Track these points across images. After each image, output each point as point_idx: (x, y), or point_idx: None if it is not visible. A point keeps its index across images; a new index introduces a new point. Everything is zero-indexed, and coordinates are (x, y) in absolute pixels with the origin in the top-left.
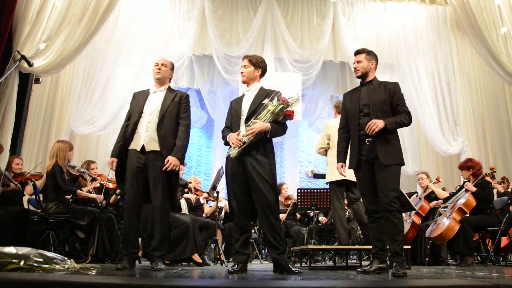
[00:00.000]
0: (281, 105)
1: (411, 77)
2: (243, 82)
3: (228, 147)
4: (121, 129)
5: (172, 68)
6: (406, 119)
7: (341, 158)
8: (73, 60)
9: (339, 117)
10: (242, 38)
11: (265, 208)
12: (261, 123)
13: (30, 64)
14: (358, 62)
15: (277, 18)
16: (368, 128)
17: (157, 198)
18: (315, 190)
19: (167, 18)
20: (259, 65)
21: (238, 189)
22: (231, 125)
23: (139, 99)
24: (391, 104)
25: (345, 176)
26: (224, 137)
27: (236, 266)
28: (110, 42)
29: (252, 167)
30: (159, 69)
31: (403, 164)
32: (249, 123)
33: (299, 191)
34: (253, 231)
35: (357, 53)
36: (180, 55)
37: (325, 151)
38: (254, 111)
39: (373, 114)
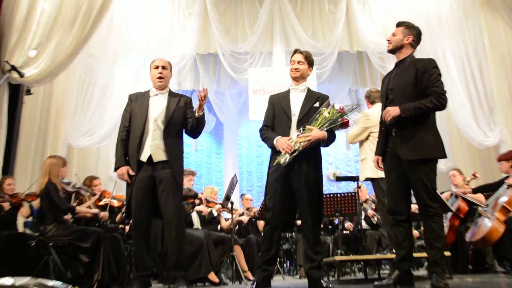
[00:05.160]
0: (339, 113)
1: (437, 63)
2: (294, 79)
3: (270, 153)
4: (119, 135)
5: (171, 68)
6: (432, 102)
7: (378, 150)
8: (67, 67)
9: (374, 108)
10: (248, 32)
11: (309, 219)
12: (318, 131)
13: (21, 75)
14: (393, 35)
15: (285, 8)
16: (383, 117)
17: (170, 207)
18: (339, 195)
19: (166, 16)
20: (311, 64)
21: (279, 196)
22: (273, 125)
23: (140, 102)
24: (420, 86)
25: (381, 169)
26: (268, 139)
27: (255, 284)
28: (106, 46)
29: (299, 174)
30: (161, 73)
31: (434, 158)
32: (300, 128)
33: None
34: None
35: (397, 25)
36: (183, 55)
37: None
38: (306, 114)
39: (396, 100)
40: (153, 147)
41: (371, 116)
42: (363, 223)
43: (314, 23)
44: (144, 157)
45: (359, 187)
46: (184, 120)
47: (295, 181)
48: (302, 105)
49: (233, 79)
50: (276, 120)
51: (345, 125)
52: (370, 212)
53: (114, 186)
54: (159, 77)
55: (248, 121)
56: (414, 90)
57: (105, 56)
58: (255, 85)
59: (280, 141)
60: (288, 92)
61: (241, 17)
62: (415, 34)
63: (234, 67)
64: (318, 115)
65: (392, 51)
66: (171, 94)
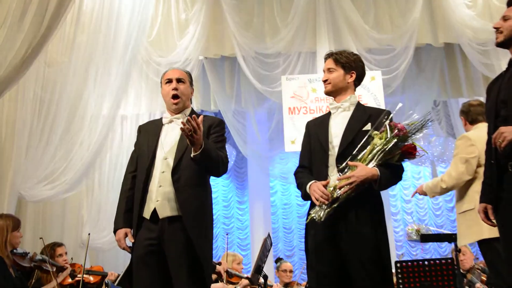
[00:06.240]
0: (396, 137)
1: None
2: (327, 94)
3: (309, 203)
4: (123, 185)
5: (191, 80)
6: None
7: (484, 195)
8: (15, 82)
9: (477, 129)
10: (280, 24)
11: None
12: (364, 168)
13: None
14: (504, 19)
15: None
16: (493, 141)
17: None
18: (427, 263)
19: (159, 7)
20: (352, 65)
21: (325, 270)
22: (311, 164)
23: (148, 135)
24: None
25: (492, 224)
26: (300, 185)
27: None
28: (72, 51)
29: (348, 239)
30: (176, 89)
31: None
32: (343, 165)
33: (398, 265)
34: None
35: (509, 4)
36: (185, 60)
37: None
38: (351, 144)
39: None
40: (159, 198)
41: (476, 141)
42: None
43: (377, 5)
44: (147, 213)
45: (458, 250)
46: None
47: (343, 246)
48: (344, 131)
49: (260, 94)
50: (312, 156)
51: (409, 154)
52: (480, 286)
53: (86, 255)
54: (174, 96)
55: (284, 154)
56: None
57: (72, 66)
58: (292, 102)
59: (312, 188)
60: (328, 114)
61: (269, 2)
62: None
63: (260, 76)
64: (367, 143)
65: (504, 43)
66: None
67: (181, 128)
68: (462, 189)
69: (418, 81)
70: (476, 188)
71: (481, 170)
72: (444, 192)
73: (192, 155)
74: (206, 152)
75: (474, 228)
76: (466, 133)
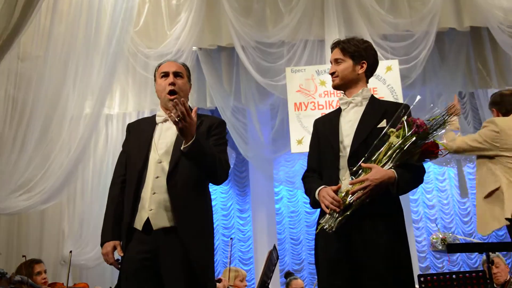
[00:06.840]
0: (415, 135)
1: None
2: (336, 88)
3: (318, 211)
4: (110, 191)
5: (189, 75)
6: None
7: None
8: None
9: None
10: (283, 9)
11: None
12: (379, 171)
13: None
14: None
15: None
16: None
17: None
18: (455, 277)
19: None
20: (362, 54)
21: (338, 286)
22: (321, 167)
23: (139, 135)
24: None
25: None
26: (309, 191)
27: None
28: (49, 43)
29: (363, 251)
30: (173, 84)
31: None
32: (356, 168)
33: (422, 279)
34: None
35: None
36: (177, 51)
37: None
38: (364, 143)
39: None
40: (153, 207)
41: (502, 128)
42: None
43: None
44: (138, 224)
45: (491, 262)
46: None
47: (358, 259)
48: (356, 130)
49: (262, 88)
50: (322, 158)
51: (430, 153)
52: None
53: (68, 275)
54: (171, 91)
55: (289, 155)
56: None
57: (49, 60)
58: (298, 96)
59: (322, 194)
60: (338, 111)
61: None
62: None
63: (262, 68)
64: (382, 141)
65: None
66: None
67: (169, 115)
68: (483, 171)
69: (441, 70)
70: (498, 171)
71: (503, 159)
72: (450, 149)
73: (182, 147)
74: (198, 144)
75: (498, 210)
76: (496, 118)
